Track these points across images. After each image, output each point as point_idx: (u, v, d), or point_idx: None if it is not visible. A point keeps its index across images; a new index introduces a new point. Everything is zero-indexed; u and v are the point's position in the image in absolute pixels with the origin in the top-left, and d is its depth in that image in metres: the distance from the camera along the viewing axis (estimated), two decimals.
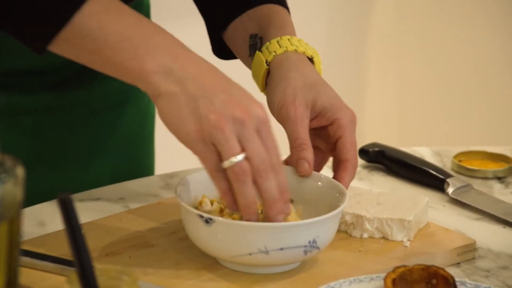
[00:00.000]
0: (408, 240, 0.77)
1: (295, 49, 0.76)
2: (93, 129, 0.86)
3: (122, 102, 0.87)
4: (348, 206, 0.79)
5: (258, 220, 0.68)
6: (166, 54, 0.65)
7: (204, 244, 0.70)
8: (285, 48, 0.76)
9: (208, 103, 0.64)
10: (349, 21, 1.89)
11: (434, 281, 0.69)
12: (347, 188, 0.75)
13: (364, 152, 0.95)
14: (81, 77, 0.84)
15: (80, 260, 0.53)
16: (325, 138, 0.77)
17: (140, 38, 0.65)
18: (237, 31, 0.80)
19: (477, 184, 0.88)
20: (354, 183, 0.90)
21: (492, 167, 0.91)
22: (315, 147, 0.76)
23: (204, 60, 0.67)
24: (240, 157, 0.64)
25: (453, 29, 1.80)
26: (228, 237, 0.68)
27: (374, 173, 0.93)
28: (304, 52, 0.77)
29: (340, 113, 0.75)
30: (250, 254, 0.69)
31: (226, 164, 0.64)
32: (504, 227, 0.81)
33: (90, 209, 0.82)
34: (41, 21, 0.65)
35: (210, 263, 0.72)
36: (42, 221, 0.79)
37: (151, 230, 0.77)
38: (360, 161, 0.95)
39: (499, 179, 0.90)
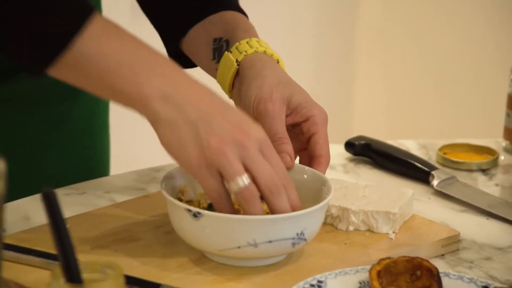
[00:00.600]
0: (393, 232, 0.77)
1: (264, 51, 0.77)
2: (45, 120, 0.85)
3: (73, 92, 0.86)
4: (334, 199, 0.79)
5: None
6: (164, 79, 0.65)
7: (191, 238, 0.70)
8: (255, 49, 0.77)
9: (207, 127, 0.64)
10: (337, 15, 1.89)
11: (418, 273, 0.69)
12: None
13: (350, 145, 0.95)
14: None
15: (64, 254, 0.53)
16: (295, 135, 0.78)
17: (139, 64, 0.64)
18: (198, 37, 0.80)
19: (461, 176, 0.88)
20: (341, 176, 0.91)
21: (476, 159, 0.91)
22: None
23: (201, 83, 0.67)
24: (246, 180, 0.64)
25: (439, 23, 1.81)
26: (217, 231, 0.68)
27: (360, 166, 0.94)
28: (272, 54, 0.78)
29: (314, 110, 0.76)
30: (239, 247, 0.69)
31: (233, 188, 0.64)
32: (487, 218, 0.82)
33: (76, 203, 0.81)
34: (40, 45, 0.64)
35: (196, 256, 0.72)
36: (27, 215, 0.79)
37: (137, 224, 0.76)
38: (346, 154, 0.95)
39: (483, 171, 0.91)
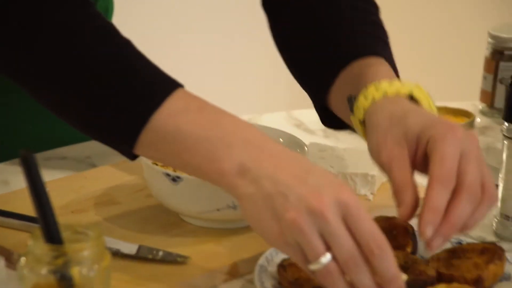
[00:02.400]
0: (371, 193, 0.78)
1: (384, 94, 0.66)
2: None
3: None
4: (313, 162, 0.79)
5: None
6: (243, 152, 0.59)
7: (170, 201, 0.70)
8: (372, 97, 0.66)
9: (284, 200, 0.57)
10: None
11: (394, 232, 0.69)
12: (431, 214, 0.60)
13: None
14: None
15: (43, 214, 0.52)
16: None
17: (217, 138, 0.60)
18: (337, 93, 0.71)
19: None
20: (321, 141, 0.91)
21: (454, 121, 0.92)
22: None
23: (284, 149, 0.61)
24: (325, 259, 0.57)
25: None
26: (196, 194, 0.68)
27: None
28: (396, 92, 0.66)
29: (431, 130, 0.63)
30: (218, 209, 0.68)
31: (312, 268, 0.57)
32: None
33: (56, 167, 0.81)
34: (121, 126, 0.61)
35: (177, 219, 0.72)
36: (6, 179, 0.78)
37: (116, 188, 0.76)
38: None
39: None
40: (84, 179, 0.77)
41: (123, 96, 0.61)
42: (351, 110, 0.69)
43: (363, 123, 0.68)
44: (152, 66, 0.63)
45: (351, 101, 0.69)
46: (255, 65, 1.78)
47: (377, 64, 0.70)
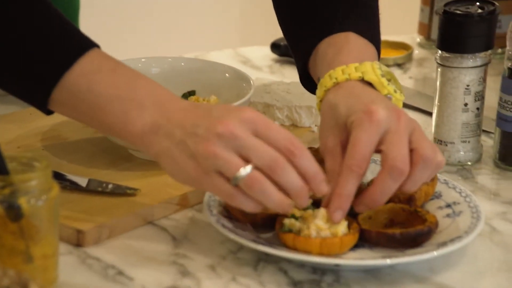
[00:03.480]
0: (315, 125, 0.79)
1: (334, 83, 0.66)
2: None
3: None
4: (259, 96, 0.80)
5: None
6: (154, 112, 0.60)
7: None
8: (325, 85, 0.66)
9: (194, 138, 0.59)
10: None
11: None
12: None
13: (275, 46, 0.95)
14: None
15: None
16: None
17: (129, 99, 0.60)
18: (313, 69, 0.70)
19: None
20: (266, 76, 0.92)
21: (393, 54, 0.93)
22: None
23: (193, 103, 0.62)
24: (247, 169, 0.58)
25: None
26: None
27: (285, 66, 0.94)
28: (347, 78, 0.65)
29: (352, 117, 0.63)
30: None
31: (235, 181, 0.58)
32: (402, 108, 0.84)
33: (1, 102, 0.79)
34: (33, 83, 0.60)
35: (125, 154, 0.72)
36: None
37: (63, 124, 0.75)
38: (272, 55, 0.95)
39: (399, 65, 0.93)
40: (29, 115, 0.76)
41: (37, 54, 0.61)
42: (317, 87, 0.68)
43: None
44: (69, 27, 0.62)
45: (319, 79, 0.68)
46: (204, 2, 1.75)
47: (342, 43, 0.68)
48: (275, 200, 0.60)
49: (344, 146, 0.63)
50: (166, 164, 0.61)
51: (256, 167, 0.59)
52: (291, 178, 0.59)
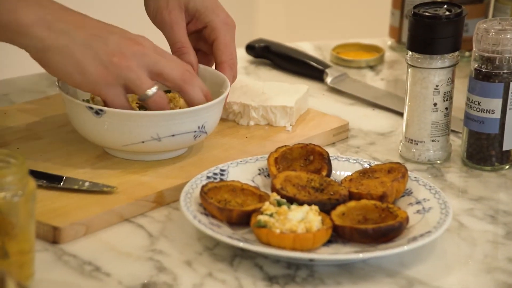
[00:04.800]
0: (290, 125, 0.80)
1: None
2: None
3: None
4: (235, 96, 0.80)
5: None
6: (41, 8, 0.61)
7: (94, 135, 0.69)
8: None
9: (104, 46, 0.62)
10: None
11: (311, 157, 0.72)
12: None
13: (250, 48, 0.95)
14: None
15: None
16: (204, 41, 0.76)
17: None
18: None
19: (352, 73, 0.91)
20: (242, 77, 0.91)
21: (365, 57, 0.94)
22: (198, 50, 0.75)
23: (71, 9, 0.64)
24: (155, 88, 0.65)
25: None
26: (121, 127, 0.68)
27: (260, 67, 0.94)
28: None
29: (212, 15, 0.74)
30: (143, 142, 0.69)
31: (145, 97, 0.65)
32: (373, 109, 0.85)
33: None
34: None
35: (101, 153, 0.72)
36: None
37: (38, 124, 0.75)
38: (247, 57, 0.95)
39: (371, 67, 0.94)
40: (4, 115, 0.75)
41: None
42: None
43: None
44: None
45: None
46: None
47: None
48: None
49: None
50: (61, 63, 0.62)
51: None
52: (198, 92, 0.67)
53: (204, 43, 0.76)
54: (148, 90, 0.65)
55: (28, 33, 0.60)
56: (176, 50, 0.72)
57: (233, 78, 0.75)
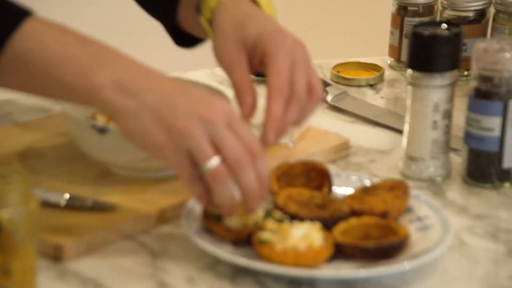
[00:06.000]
0: (291, 142, 0.79)
1: None
2: None
3: None
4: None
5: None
6: (115, 68, 0.58)
7: (98, 153, 0.69)
8: None
9: (172, 110, 0.58)
10: None
11: (312, 174, 0.71)
12: (274, 120, 0.65)
13: None
14: None
15: None
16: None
17: (85, 55, 0.58)
18: (186, 10, 0.72)
19: (352, 91, 0.91)
20: None
21: (365, 75, 0.94)
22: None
23: (153, 69, 0.61)
24: (216, 160, 0.59)
25: None
26: (125, 145, 0.66)
27: (260, 85, 0.94)
28: None
29: (266, 40, 0.65)
30: (147, 159, 0.68)
31: (203, 169, 0.59)
32: (374, 127, 0.85)
33: None
34: None
35: (103, 170, 0.71)
36: None
37: (40, 142, 0.74)
38: None
39: (371, 86, 0.94)
40: (6, 133, 0.75)
41: None
42: (199, 11, 0.69)
43: (211, 23, 0.69)
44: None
45: (198, 6, 0.69)
46: None
47: None
48: (226, 197, 0.60)
49: (250, 63, 0.66)
50: (129, 126, 0.59)
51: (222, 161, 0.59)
52: (251, 178, 0.60)
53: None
54: (207, 161, 0.59)
55: (101, 97, 0.58)
56: (236, 92, 0.66)
57: (278, 110, 0.64)
